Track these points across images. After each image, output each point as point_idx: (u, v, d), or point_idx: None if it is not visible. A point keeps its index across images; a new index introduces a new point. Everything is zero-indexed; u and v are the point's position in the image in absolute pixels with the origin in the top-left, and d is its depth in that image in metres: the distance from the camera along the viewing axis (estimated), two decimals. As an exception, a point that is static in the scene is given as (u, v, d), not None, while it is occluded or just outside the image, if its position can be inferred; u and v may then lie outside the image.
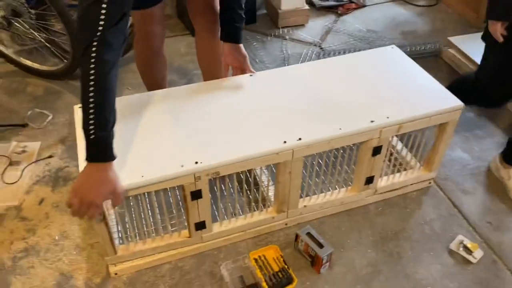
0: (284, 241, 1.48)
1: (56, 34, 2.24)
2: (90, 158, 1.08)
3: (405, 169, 1.63)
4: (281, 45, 2.52)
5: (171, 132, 1.31)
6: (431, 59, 2.38)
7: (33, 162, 1.76)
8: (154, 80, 1.74)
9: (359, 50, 2.38)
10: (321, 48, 2.47)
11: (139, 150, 1.25)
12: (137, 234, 1.39)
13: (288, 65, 2.33)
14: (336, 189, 1.54)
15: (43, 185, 1.67)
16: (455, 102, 1.43)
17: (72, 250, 1.46)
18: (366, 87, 1.48)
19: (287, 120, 1.35)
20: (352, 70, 1.57)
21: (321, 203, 1.51)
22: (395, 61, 1.62)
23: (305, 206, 1.49)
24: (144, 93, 1.48)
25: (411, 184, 1.63)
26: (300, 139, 1.28)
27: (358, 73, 1.55)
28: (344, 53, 2.38)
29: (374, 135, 1.36)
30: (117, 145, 1.24)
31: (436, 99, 1.44)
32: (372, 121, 1.35)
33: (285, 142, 1.28)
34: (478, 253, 1.43)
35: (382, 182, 1.57)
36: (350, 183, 1.56)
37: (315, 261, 1.37)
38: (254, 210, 1.46)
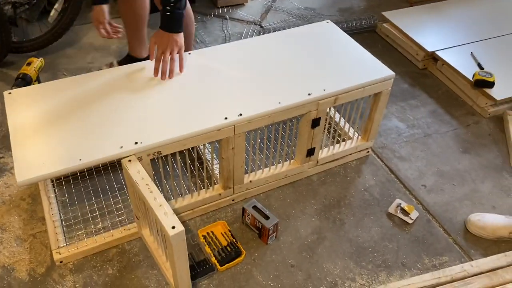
0: (231, 217, 1.51)
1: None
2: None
3: (344, 140, 1.69)
4: (222, 25, 2.51)
5: (108, 113, 1.28)
6: (367, 34, 2.46)
7: (-36, 155, 1.67)
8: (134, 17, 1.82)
9: (298, 27, 2.42)
10: (261, 27, 2.48)
11: (75, 132, 1.22)
12: (81, 223, 1.36)
13: (229, 44, 2.34)
14: (279, 163, 1.58)
15: (-24, 178, 1.59)
16: (387, 72, 1.50)
17: (12, 242, 1.40)
18: (303, 62, 1.52)
19: (227, 96, 1.37)
20: (289, 45, 1.59)
21: (266, 177, 1.54)
22: (330, 35, 1.66)
23: (250, 181, 1.52)
24: (77, 76, 1.43)
25: (350, 154, 1.70)
26: (241, 114, 1.30)
27: (295, 49, 1.58)
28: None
29: (312, 107, 1.40)
30: (53, 128, 1.21)
31: (369, 70, 1.50)
32: (309, 94, 1.39)
33: (226, 118, 1.29)
34: (414, 214, 1.52)
35: (323, 154, 1.62)
36: (293, 156, 1.61)
37: (262, 233, 1.41)
38: (201, 189, 1.47)
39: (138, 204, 1.27)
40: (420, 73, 2.21)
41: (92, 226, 1.43)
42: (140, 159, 1.21)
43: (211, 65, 1.48)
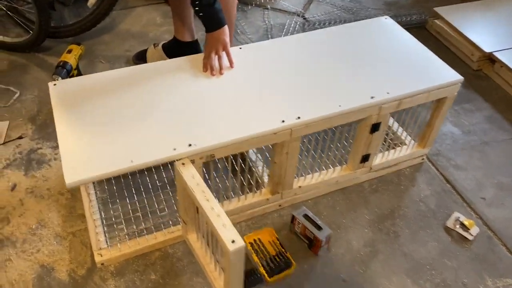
0: (278, 223, 1.42)
1: (19, 2, 2.04)
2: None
3: (398, 146, 1.59)
4: (263, 15, 2.40)
5: (159, 112, 1.20)
6: (416, 30, 2.32)
7: (1, 144, 1.61)
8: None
9: (344, 21, 2.31)
10: (305, 19, 2.36)
11: (125, 131, 1.14)
12: (123, 223, 1.30)
13: (271, 36, 2.23)
14: (330, 168, 1.48)
15: (14, 169, 1.54)
16: (455, 76, 1.39)
17: (52, 239, 1.35)
18: (363, 61, 1.41)
19: (283, 97, 1.27)
20: (346, 43, 1.49)
21: (316, 184, 1.45)
22: (390, 33, 1.55)
23: (299, 186, 1.43)
24: (123, 68, 1.35)
25: (404, 161, 1.59)
26: (299, 117, 1.21)
27: (353, 46, 1.47)
28: (330, 24, 2.29)
29: (373, 111, 1.30)
30: (102, 125, 1.14)
31: (435, 73, 1.39)
32: (372, 97, 1.28)
33: (283, 121, 1.20)
34: (474, 230, 1.42)
35: (377, 160, 1.52)
36: (344, 162, 1.51)
37: (313, 244, 1.32)
38: (247, 193, 1.39)
39: (187, 209, 1.19)
40: (474, 74, 2.08)
41: (134, 227, 1.37)
42: (192, 162, 1.13)
43: (264, 62, 1.39)
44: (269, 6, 2.45)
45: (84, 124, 1.15)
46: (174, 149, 1.10)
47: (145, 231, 1.35)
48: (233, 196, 1.41)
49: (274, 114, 1.21)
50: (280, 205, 1.45)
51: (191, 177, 1.08)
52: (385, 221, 1.45)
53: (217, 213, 1.00)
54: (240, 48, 1.44)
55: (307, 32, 1.56)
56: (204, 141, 1.13)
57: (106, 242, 1.31)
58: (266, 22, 2.34)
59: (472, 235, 1.41)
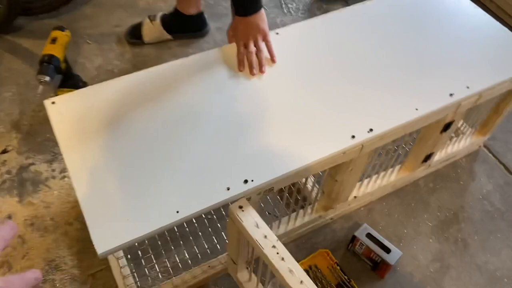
0: (331, 240, 1.23)
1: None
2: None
3: (457, 136, 1.38)
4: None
5: (198, 140, 0.93)
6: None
7: (-17, 162, 1.32)
8: None
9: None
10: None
11: (159, 169, 0.88)
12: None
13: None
14: (385, 170, 1.27)
15: (5, 195, 1.26)
16: (538, 59, 1.16)
17: (68, 285, 1.11)
18: (433, 48, 1.15)
19: (348, 105, 1.01)
20: (409, 24, 1.21)
21: (372, 191, 1.25)
22: (460, 11, 1.27)
23: (355, 197, 1.22)
24: (131, 75, 1.04)
25: (461, 151, 1.40)
26: (371, 130, 0.97)
27: (418, 29, 1.20)
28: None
29: (450, 110, 1.07)
30: (128, 164, 0.87)
31: (515, 56, 1.15)
32: (451, 95, 1.05)
33: (353, 136, 0.96)
34: (550, 231, 1.26)
35: (436, 156, 1.32)
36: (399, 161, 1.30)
37: (380, 267, 1.14)
38: (296, 210, 1.17)
39: (241, 252, 0.97)
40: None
41: (167, 262, 1.14)
42: (248, 199, 0.89)
43: (312, 54, 1.11)
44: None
45: (105, 163, 0.88)
46: (228, 189, 0.86)
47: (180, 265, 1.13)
48: (277, 213, 1.20)
49: (341, 129, 0.97)
50: (331, 218, 1.25)
51: (254, 225, 0.84)
52: (450, 227, 1.28)
53: (299, 279, 0.78)
54: (277, 33, 1.16)
55: (360, 5, 1.26)
56: (263, 175, 0.88)
57: (136, 286, 1.08)
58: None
59: (548, 237, 1.26)
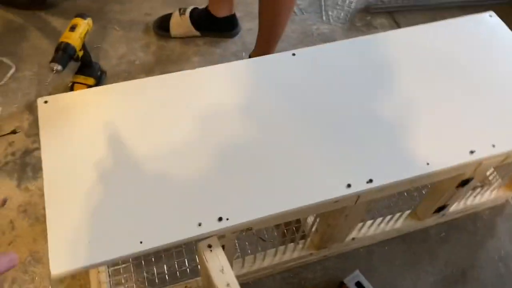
0: (321, 279, 1.15)
1: None
2: None
3: (482, 187, 1.25)
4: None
5: (175, 169, 0.88)
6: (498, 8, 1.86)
7: (-9, 140, 1.34)
8: None
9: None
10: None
11: (130, 203, 0.83)
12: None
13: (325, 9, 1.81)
14: (391, 214, 1.17)
15: (5, 177, 1.27)
16: None
17: (45, 281, 1.11)
18: (459, 89, 1.03)
19: (348, 148, 0.91)
20: (433, 55, 1.09)
21: (373, 235, 1.16)
22: (495, 40, 1.14)
23: (353, 238, 1.14)
24: (134, 81, 1.00)
25: (485, 203, 1.27)
26: (370, 180, 0.88)
27: (440, 63, 1.07)
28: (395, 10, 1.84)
29: (469, 168, 0.96)
30: (103, 186, 0.82)
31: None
32: (472, 152, 0.93)
33: (349, 185, 0.87)
34: None
35: (452, 207, 1.20)
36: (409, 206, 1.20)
37: (365, 321, 1.06)
38: (286, 244, 1.10)
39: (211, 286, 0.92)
40: None
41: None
42: (222, 237, 0.83)
43: (313, 84, 1.02)
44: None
45: (81, 175, 0.85)
46: (199, 224, 0.80)
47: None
48: (266, 238, 1.13)
49: (336, 175, 0.88)
50: (325, 256, 1.17)
51: (219, 270, 0.79)
52: (454, 285, 1.17)
53: None
54: (294, 54, 1.07)
55: (379, 34, 1.14)
56: (240, 214, 0.82)
57: (110, 294, 1.07)
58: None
59: None
